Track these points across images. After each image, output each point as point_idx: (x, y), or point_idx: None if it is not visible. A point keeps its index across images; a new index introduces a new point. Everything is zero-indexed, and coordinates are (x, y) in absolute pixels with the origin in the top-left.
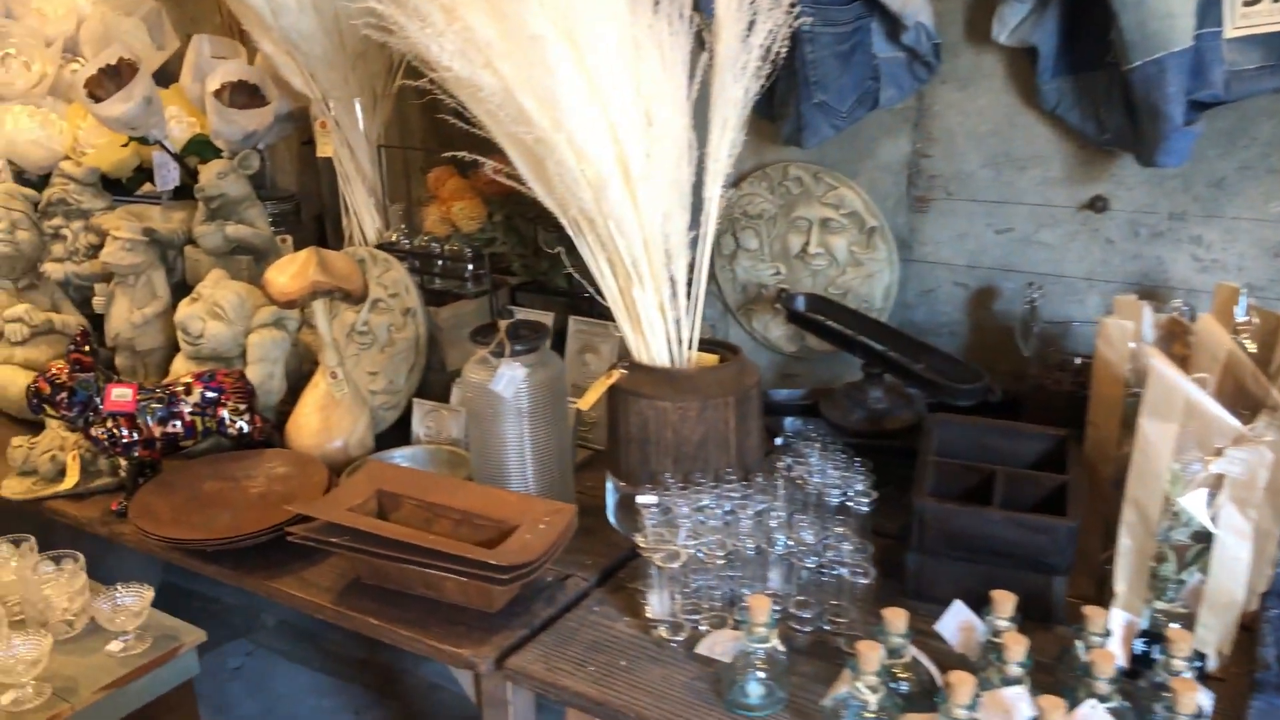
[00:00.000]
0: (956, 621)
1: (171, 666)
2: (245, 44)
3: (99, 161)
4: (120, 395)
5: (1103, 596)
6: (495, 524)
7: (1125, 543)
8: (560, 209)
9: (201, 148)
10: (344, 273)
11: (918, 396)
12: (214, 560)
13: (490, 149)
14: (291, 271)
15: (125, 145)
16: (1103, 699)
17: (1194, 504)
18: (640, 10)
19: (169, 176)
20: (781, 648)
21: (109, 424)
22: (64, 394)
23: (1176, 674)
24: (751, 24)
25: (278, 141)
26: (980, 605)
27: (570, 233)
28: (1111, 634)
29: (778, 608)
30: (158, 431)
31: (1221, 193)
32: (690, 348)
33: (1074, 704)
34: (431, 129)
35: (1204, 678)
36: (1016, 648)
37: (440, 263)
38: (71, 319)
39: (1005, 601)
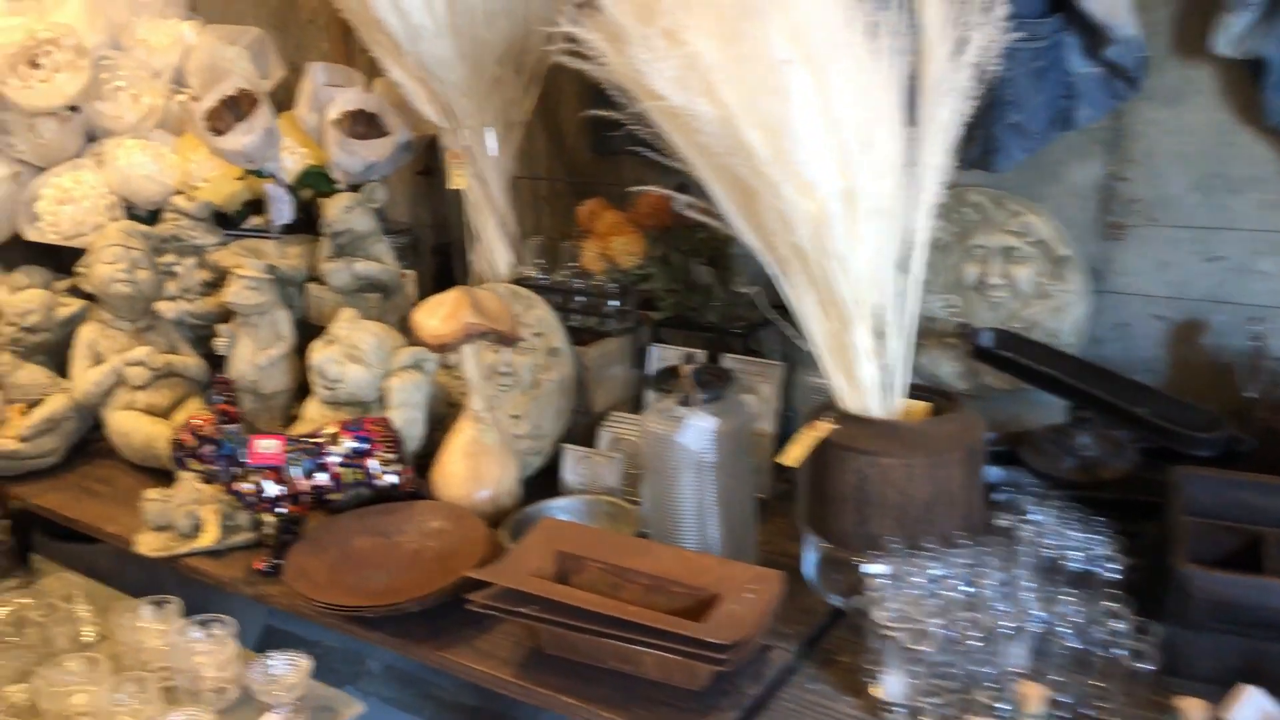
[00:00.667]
0: (1257, 714)
1: None
2: (362, 71)
3: (212, 195)
4: (266, 447)
5: None
6: (691, 591)
7: None
8: (764, 245)
9: (315, 180)
10: (497, 313)
11: (1127, 442)
12: (376, 627)
13: (627, 179)
14: (443, 314)
15: (240, 179)
16: None
17: None
18: (858, 30)
19: (284, 210)
20: None
21: (254, 478)
22: (209, 446)
23: None
24: (961, 41)
25: (391, 173)
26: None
27: (774, 271)
28: None
29: None
30: (305, 485)
31: None
32: (900, 395)
33: None
34: (558, 159)
35: None
36: None
37: (580, 299)
38: (191, 361)
39: None
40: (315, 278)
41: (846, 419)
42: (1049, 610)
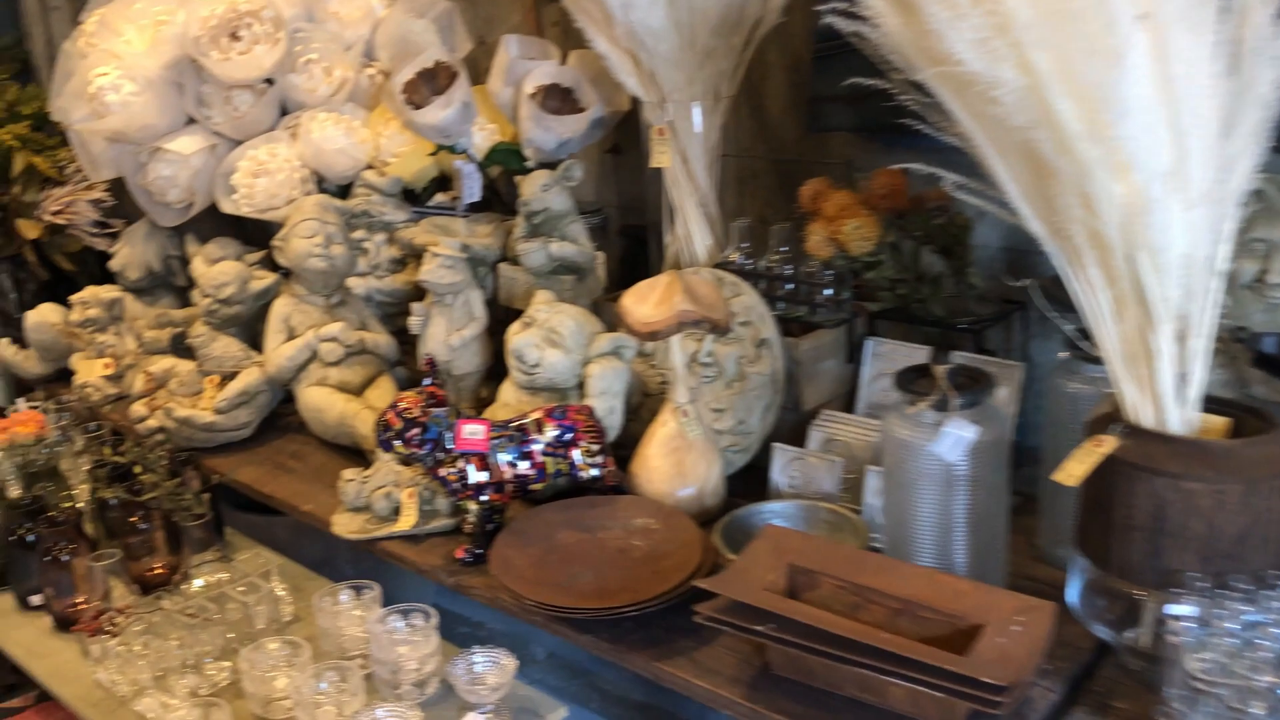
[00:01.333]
0: None
1: None
2: (555, 44)
3: (402, 171)
4: (473, 433)
5: None
6: (947, 619)
7: None
8: (1053, 233)
9: (505, 156)
10: (711, 301)
11: None
12: (587, 630)
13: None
14: (654, 300)
15: (432, 155)
16: None
17: None
18: None
19: (474, 188)
20: None
21: (459, 464)
22: (415, 430)
23: None
24: None
25: (580, 150)
26: None
27: (1060, 263)
28: None
29: None
30: (509, 473)
31: None
32: (1196, 408)
33: None
34: (760, 135)
35: None
36: None
37: (790, 286)
38: (382, 338)
39: None
40: (506, 258)
41: (1138, 434)
42: None
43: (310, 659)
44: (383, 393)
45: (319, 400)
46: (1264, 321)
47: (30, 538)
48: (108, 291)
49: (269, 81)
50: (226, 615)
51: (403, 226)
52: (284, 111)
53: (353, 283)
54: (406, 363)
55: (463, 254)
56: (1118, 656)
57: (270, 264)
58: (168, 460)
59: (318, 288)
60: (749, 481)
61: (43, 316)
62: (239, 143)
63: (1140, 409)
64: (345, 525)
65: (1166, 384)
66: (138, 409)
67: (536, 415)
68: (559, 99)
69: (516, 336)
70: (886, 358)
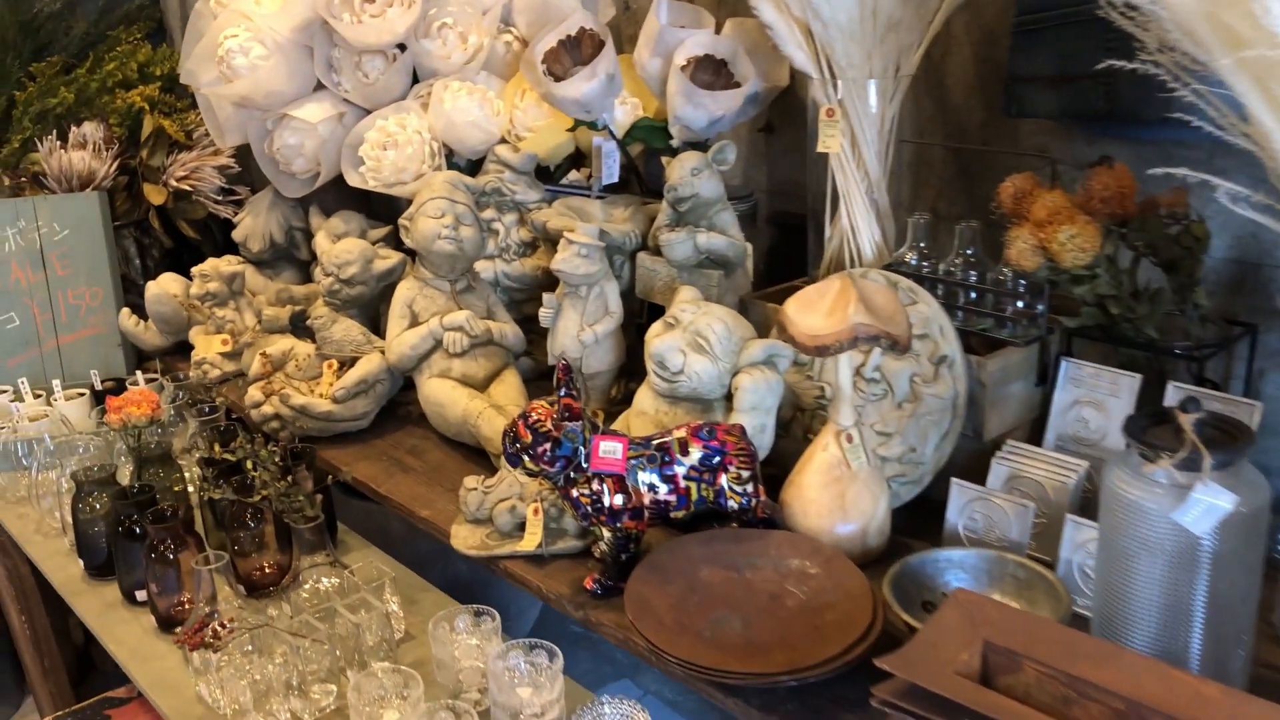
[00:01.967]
0: None
1: None
2: (709, 10)
3: (536, 147)
4: (610, 451)
5: None
6: None
7: None
8: None
9: (648, 134)
10: (889, 313)
11: None
12: (736, 694)
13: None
14: (823, 309)
15: (570, 130)
16: None
17: None
18: None
19: (614, 168)
20: None
21: (594, 485)
22: (547, 445)
23: None
24: None
25: (730, 129)
26: None
27: None
28: None
29: None
30: (647, 497)
31: None
32: None
33: None
34: (938, 119)
35: None
36: None
37: (974, 295)
38: (509, 329)
39: None
40: (645, 246)
41: None
42: None
43: (421, 697)
44: (508, 388)
45: (441, 395)
46: None
47: (138, 529)
48: (228, 264)
49: (401, 48)
50: (335, 629)
51: (536, 207)
52: (415, 80)
53: (481, 266)
54: (533, 353)
55: (601, 243)
56: None
57: (395, 242)
58: (280, 457)
59: (444, 271)
60: (916, 517)
61: (163, 288)
62: (368, 112)
63: None
64: (464, 540)
65: None
66: (253, 394)
67: (680, 434)
68: (711, 72)
69: (658, 339)
70: (1085, 383)
